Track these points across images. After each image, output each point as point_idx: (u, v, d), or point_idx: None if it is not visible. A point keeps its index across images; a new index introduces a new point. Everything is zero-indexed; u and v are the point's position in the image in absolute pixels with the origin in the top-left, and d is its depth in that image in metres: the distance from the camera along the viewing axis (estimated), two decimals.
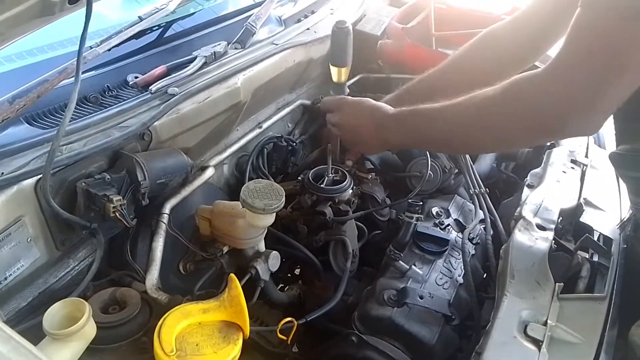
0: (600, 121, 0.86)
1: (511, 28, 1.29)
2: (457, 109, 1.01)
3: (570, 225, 1.25)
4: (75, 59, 1.02)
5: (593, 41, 0.81)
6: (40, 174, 0.93)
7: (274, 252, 1.15)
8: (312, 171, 1.37)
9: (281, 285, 1.38)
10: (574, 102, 0.83)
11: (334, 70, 1.29)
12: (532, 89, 0.89)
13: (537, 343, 0.92)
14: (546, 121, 0.89)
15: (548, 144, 1.56)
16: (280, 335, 1.03)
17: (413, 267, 1.20)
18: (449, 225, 1.35)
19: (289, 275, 1.46)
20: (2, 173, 0.91)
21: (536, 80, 0.89)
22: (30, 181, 0.94)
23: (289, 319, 1.03)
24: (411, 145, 1.32)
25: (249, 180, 1.26)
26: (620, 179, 1.26)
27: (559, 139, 1.49)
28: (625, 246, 1.17)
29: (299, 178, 1.39)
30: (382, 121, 1.11)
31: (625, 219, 1.23)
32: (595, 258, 1.13)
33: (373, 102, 1.16)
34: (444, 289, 1.18)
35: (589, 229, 1.21)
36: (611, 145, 1.14)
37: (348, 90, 1.31)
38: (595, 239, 1.17)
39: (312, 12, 1.82)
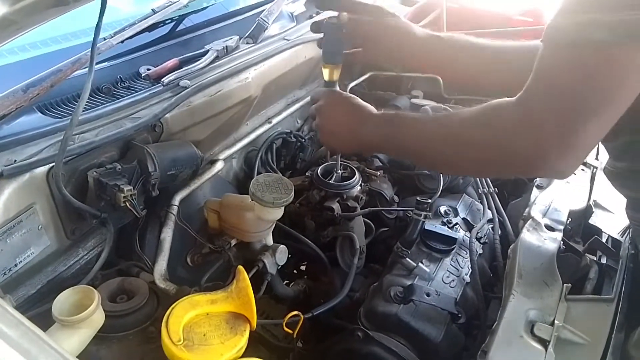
0: (572, 165, 0.80)
1: None
2: (432, 125, 0.97)
3: (579, 227, 1.24)
4: (89, 49, 1.03)
5: (561, 78, 0.75)
6: (52, 162, 0.94)
7: (282, 246, 1.16)
8: (320, 167, 1.37)
9: (286, 281, 1.39)
10: (543, 146, 0.76)
11: (325, 69, 1.19)
12: (500, 124, 0.82)
13: (544, 343, 0.92)
14: (513, 160, 0.83)
15: None
16: (286, 329, 1.03)
17: (420, 264, 1.20)
18: (457, 224, 1.35)
19: (295, 271, 1.47)
20: (15, 160, 0.92)
21: (505, 115, 0.81)
22: (43, 169, 0.94)
23: (295, 312, 1.04)
24: (383, 150, 1.27)
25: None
26: None
27: (528, 177, 1.43)
28: (633, 252, 1.16)
29: (308, 174, 1.40)
30: (362, 120, 1.06)
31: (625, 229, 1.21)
32: (604, 260, 1.13)
33: (360, 100, 1.10)
34: (450, 287, 1.18)
35: (598, 231, 1.21)
36: None
37: (338, 89, 1.22)
38: (604, 241, 1.17)
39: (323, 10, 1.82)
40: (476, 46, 1.16)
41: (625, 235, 1.20)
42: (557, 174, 0.86)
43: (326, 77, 1.19)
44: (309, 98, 1.73)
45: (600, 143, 0.98)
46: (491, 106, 0.84)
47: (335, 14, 1.13)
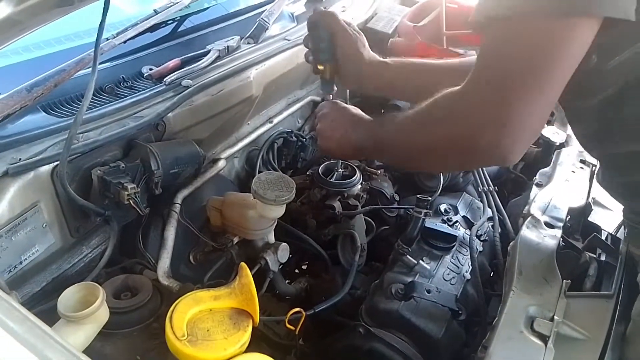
0: (516, 147, 0.78)
1: None
2: (401, 122, 0.98)
3: (579, 224, 1.25)
4: (92, 50, 1.04)
5: (493, 58, 0.75)
6: (56, 161, 0.95)
7: (284, 244, 1.17)
8: (322, 166, 1.38)
9: (288, 280, 1.40)
10: (483, 126, 0.76)
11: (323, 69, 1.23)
12: (447, 109, 0.83)
13: (544, 338, 0.93)
14: (459, 145, 0.82)
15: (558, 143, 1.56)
16: (288, 326, 1.04)
17: (421, 262, 1.21)
18: (457, 222, 1.36)
19: (296, 270, 1.47)
20: (20, 159, 0.93)
21: (454, 98, 0.82)
22: (47, 167, 0.95)
23: (297, 309, 1.04)
24: (374, 155, 1.28)
25: None
26: None
27: (475, 166, 1.43)
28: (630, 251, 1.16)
29: (309, 172, 1.41)
30: (355, 126, 1.09)
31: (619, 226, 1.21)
32: (603, 257, 1.13)
33: (359, 110, 1.14)
34: (451, 284, 1.18)
35: (597, 228, 1.21)
36: None
37: (336, 87, 1.26)
38: (603, 238, 1.17)
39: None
40: (423, 68, 1.23)
41: (622, 230, 1.21)
42: (500, 157, 0.81)
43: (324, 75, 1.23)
44: (309, 98, 1.75)
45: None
46: (442, 95, 0.85)
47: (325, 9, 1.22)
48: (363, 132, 1.06)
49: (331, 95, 1.27)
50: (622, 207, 1.03)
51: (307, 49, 1.25)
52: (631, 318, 0.96)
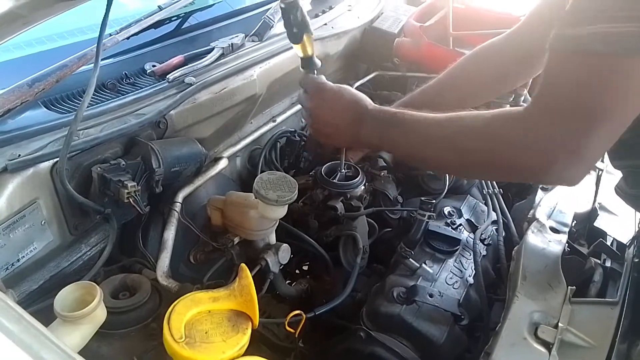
0: (580, 174, 0.80)
1: (501, 46, 1.24)
2: (436, 129, 0.95)
3: (584, 230, 1.24)
4: (95, 45, 1.03)
5: (565, 88, 0.75)
6: (56, 157, 0.94)
7: (285, 244, 1.15)
8: (324, 166, 1.37)
9: (288, 281, 1.38)
10: (549, 158, 0.77)
11: (296, 47, 1.14)
12: (507, 137, 0.83)
13: (547, 345, 0.91)
14: (520, 170, 0.84)
15: None
16: (288, 328, 1.03)
17: (423, 265, 1.19)
18: (460, 225, 1.35)
19: (297, 271, 1.46)
20: (19, 155, 0.92)
21: (512, 129, 0.82)
22: (47, 164, 0.94)
23: (297, 311, 1.03)
24: (381, 147, 1.23)
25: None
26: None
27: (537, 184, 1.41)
28: (638, 260, 1.15)
29: (312, 173, 1.39)
30: (360, 115, 1.04)
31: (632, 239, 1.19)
32: (608, 263, 1.12)
33: (354, 92, 1.07)
34: (453, 288, 1.17)
35: (603, 234, 1.20)
36: None
37: (319, 62, 1.15)
38: (609, 244, 1.16)
39: (330, 8, 1.82)
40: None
41: (631, 242, 1.20)
42: (564, 182, 0.87)
43: (300, 53, 1.14)
44: None
45: None
46: (497, 118, 0.85)
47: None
48: (370, 126, 1.02)
49: (315, 71, 1.17)
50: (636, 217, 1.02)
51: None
52: None
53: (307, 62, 1.14)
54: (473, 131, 0.88)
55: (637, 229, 1.22)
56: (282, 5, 1.07)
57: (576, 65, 0.73)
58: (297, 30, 1.08)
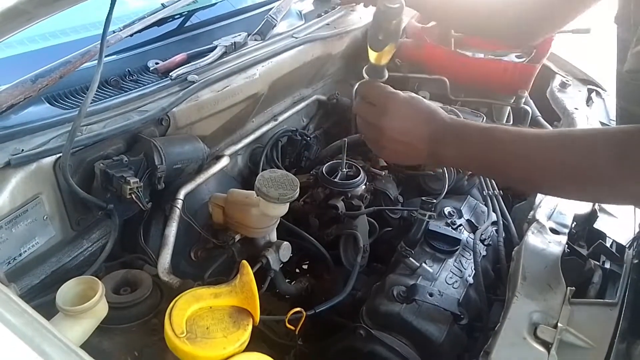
0: None
1: None
2: (541, 150, 0.83)
3: (584, 231, 1.24)
4: (98, 42, 1.04)
5: None
6: (59, 153, 0.94)
7: (285, 242, 1.16)
8: (326, 165, 1.37)
9: (288, 280, 1.39)
10: None
11: (372, 53, 0.95)
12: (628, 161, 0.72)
13: (547, 345, 0.91)
14: None
15: None
16: (288, 325, 1.03)
17: (423, 264, 1.19)
18: (461, 225, 1.35)
19: (297, 270, 1.47)
20: (23, 150, 0.92)
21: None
22: (50, 159, 0.95)
23: (297, 309, 1.04)
24: (469, 168, 1.10)
25: None
26: None
27: None
28: (637, 261, 1.15)
29: (313, 172, 1.40)
30: (438, 132, 0.88)
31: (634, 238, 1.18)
32: (608, 265, 1.12)
33: (428, 103, 0.91)
34: (453, 288, 1.17)
35: (602, 236, 1.20)
36: None
37: (387, 74, 0.97)
38: (608, 245, 1.16)
39: (333, 8, 1.82)
40: None
41: (630, 244, 1.20)
42: None
43: (372, 59, 0.95)
44: (315, 97, 1.74)
45: None
46: (625, 134, 0.75)
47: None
48: (453, 144, 0.87)
49: (365, 73, 0.99)
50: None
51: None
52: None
53: (376, 69, 0.96)
54: (594, 152, 0.78)
55: (636, 231, 1.23)
56: (382, 9, 0.88)
57: None
58: (382, 37, 0.89)
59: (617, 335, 0.95)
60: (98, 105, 1.09)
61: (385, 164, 1.54)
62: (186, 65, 1.27)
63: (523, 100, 1.72)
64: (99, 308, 0.84)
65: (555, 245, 1.14)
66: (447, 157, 0.90)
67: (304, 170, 1.56)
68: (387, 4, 0.84)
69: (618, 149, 0.74)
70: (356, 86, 0.95)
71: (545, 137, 0.83)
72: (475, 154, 0.87)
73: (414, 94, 0.92)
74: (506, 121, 1.81)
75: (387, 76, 0.97)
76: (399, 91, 0.93)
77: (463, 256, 1.27)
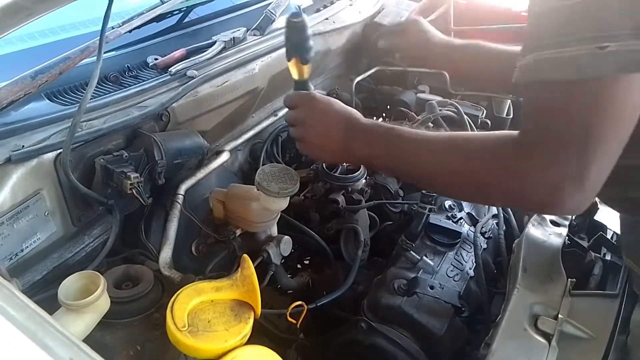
0: (588, 200, 0.75)
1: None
2: (433, 148, 0.89)
3: (584, 223, 1.24)
4: (97, 38, 1.04)
5: (548, 121, 0.71)
6: (60, 149, 0.94)
7: (286, 237, 1.16)
8: None
9: (289, 274, 1.39)
10: (550, 190, 0.72)
11: (292, 69, 1.06)
12: (504, 163, 0.77)
13: (547, 337, 0.92)
14: (522, 199, 0.78)
15: None
16: (289, 319, 1.03)
17: (424, 257, 1.20)
18: (461, 218, 1.35)
19: (298, 265, 1.47)
20: (23, 146, 0.92)
21: (508, 155, 0.77)
22: (50, 155, 0.95)
23: (299, 302, 1.04)
24: (371, 163, 1.13)
25: None
26: None
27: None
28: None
29: (313, 166, 1.40)
30: (353, 129, 0.97)
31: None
32: (608, 257, 1.13)
33: (346, 107, 1.00)
34: (454, 281, 1.18)
35: (603, 228, 1.20)
36: None
37: (312, 87, 1.08)
38: (609, 237, 1.17)
39: (331, 3, 1.82)
40: (491, 53, 1.21)
41: None
42: (571, 211, 0.82)
43: (294, 75, 1.06)
44: (314, 92, 1.74)
45: None
46: (493, 141, 0.80)
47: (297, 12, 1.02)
48: (364, 143, 0.96)
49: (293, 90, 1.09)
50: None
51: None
52: (630, 330, 0.94)
53: (300, 85, 1.06)
54: (470, 152, 0.83)
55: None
56: (287, 23, 1.01)
57: (548, 93, 0.70)
58: (288, 49, 1.03)
59: (618, 326, 0.95)
60: (98, 101, 1.09)
61: None
62: (185, 61, 1.27)
63: None
64: (101, 302, 0.84)
65: (556, 237, 1.14)
66: (357, 152, 0.97)
67: (304, 165, 1.56)
68: (292, 19, 1.00)
69: (490, 153, 0.79)
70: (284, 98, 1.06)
71: (437, 139, 0.89)
72: (379, 148, 0.94)
73: (333, 99, 1.02)
74: (506, 114, 1.81)
75: (312, 89, 1.07)
76: (321, 96, 1.03)
77: (464, 249, 1.27)
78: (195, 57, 1.29)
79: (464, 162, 0.83)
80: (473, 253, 1.24)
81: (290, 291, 1.30)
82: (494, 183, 0.80)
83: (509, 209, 1.40)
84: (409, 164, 0.93)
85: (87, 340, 0.83)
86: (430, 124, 1.46)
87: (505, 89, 1.49)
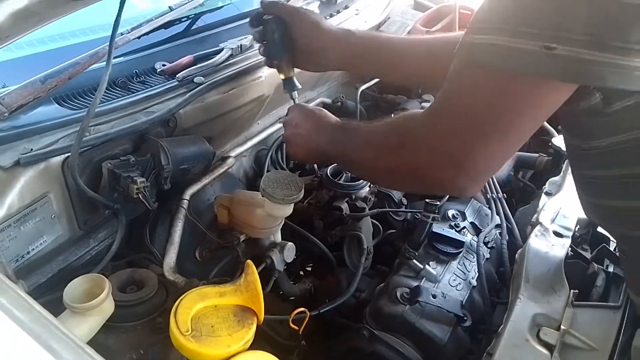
0: (472, 185, 0.77)
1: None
2: (365, 131, 0.97)
3: (587, 235, 1.24)
4: (107, 44, 1.05)
5: (459, 100, 0.73)
6: (68, 152, 0.95)
7: (290, 243, 1.17)
8: (330, 167, 1.38)
9: (292, 281, 1.39)
10: (442, 164, 0.75)
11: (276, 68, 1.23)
12: (408, 136, 0.81)
13: (550, 347, 0.92)
14: (416, 173, 0.82)
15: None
16: (292, 326, 1.04)
17: (427, 266, 1.20)
18: (464, 228, 1.35)
19: (301, 272, 1.47)
20: (32, 149, 0.94)
21: (413, 128, 0.81)
22: (58, 159, 0.96)
23: (301, 309, 1.04)
24: (332, 155, 1.16)
25: None
26: None
27: (435, 193, 1.37)
28: None
29: (317, 174, 1.41)
30: (319, 129, 1.08)
31: None
32: (611, 268, 1.12)
33: (325, 112, 1.13)
34: (457, 290, 1.18)
35: (606, 239, 1.20)
36: None
37: (299, 85, 1.23)
38: (612, 249, 1.16)
39: (338, 12, 1.83)
40: (396, 41, 1.22)
41: None
42: (454, 192, 0.89)
43: (282, 75, 1.22)
44: (320, 99, 1.75)
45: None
46: (404, 116, 0.87)
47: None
48: (327, 137, 1.05)
49: (296, 97, 1.24)
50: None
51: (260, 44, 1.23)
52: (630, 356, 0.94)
53: (287, 83, 1.22)
54: (381, 133, 0.90)
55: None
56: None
57: (475, 75, 0.70)
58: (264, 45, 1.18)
59: (620, 338, 0.95)
60: (106, 106, 1.10)
61: None
62: (193, 67, 1.28)
63: None
64: (106, 306, 0.85)
65: (559, 248, 1.14)
66: (323, 149, 1.06)
67: (308, 172, 1.57)
68: (266, 17, 1.14)
69: (398, 139, 0.85)
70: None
71: (359, 128, 0.98)
72: (334, 140, 1.03)
73: (318, 109, 1.14)
74: None
75: (300, 86, 1.23)
76: (309, 108, 1.16)
77: (467, 259, 1.27)
78: (203, 63, 1.30)
79: (382, 139, 0.89)
80: (476, 263, 1.24)
81: (293, 298, 1.30)
82: (398, 155, 0.83)
83: (512, 219, 1.41)
84: (344, 154, 1.01)
85: (91, 342, 0.83)
86: None
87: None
